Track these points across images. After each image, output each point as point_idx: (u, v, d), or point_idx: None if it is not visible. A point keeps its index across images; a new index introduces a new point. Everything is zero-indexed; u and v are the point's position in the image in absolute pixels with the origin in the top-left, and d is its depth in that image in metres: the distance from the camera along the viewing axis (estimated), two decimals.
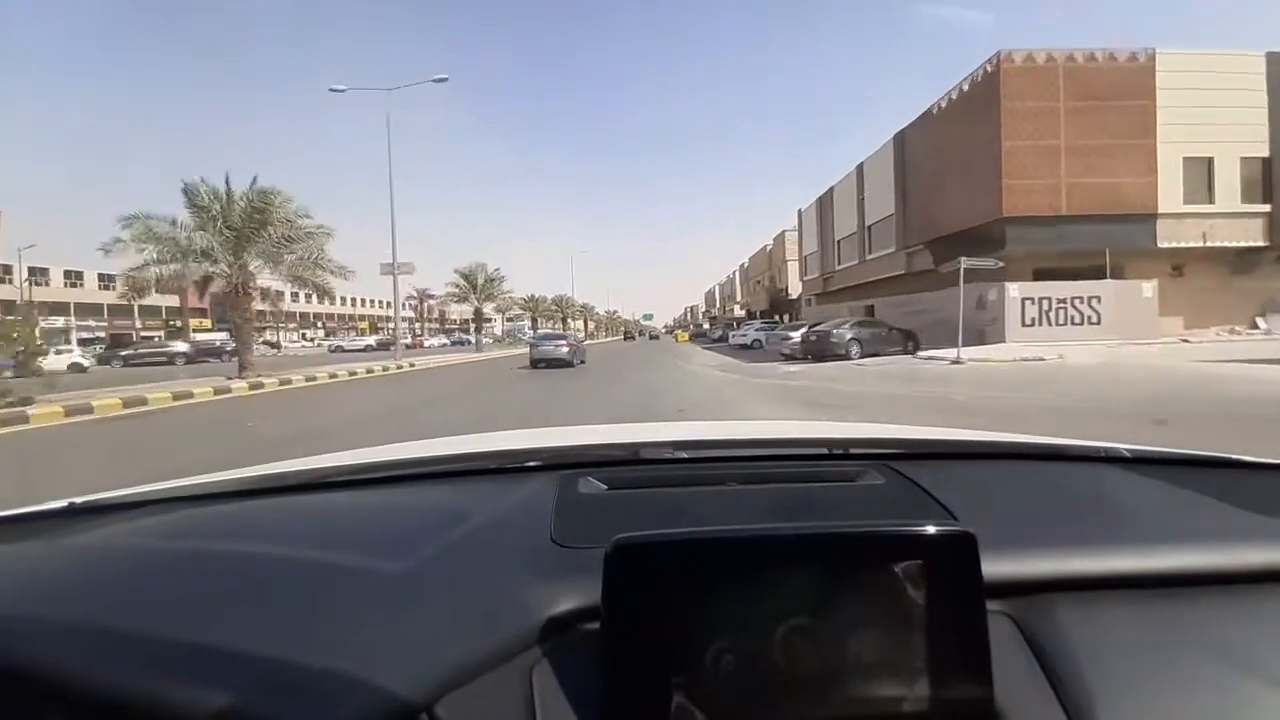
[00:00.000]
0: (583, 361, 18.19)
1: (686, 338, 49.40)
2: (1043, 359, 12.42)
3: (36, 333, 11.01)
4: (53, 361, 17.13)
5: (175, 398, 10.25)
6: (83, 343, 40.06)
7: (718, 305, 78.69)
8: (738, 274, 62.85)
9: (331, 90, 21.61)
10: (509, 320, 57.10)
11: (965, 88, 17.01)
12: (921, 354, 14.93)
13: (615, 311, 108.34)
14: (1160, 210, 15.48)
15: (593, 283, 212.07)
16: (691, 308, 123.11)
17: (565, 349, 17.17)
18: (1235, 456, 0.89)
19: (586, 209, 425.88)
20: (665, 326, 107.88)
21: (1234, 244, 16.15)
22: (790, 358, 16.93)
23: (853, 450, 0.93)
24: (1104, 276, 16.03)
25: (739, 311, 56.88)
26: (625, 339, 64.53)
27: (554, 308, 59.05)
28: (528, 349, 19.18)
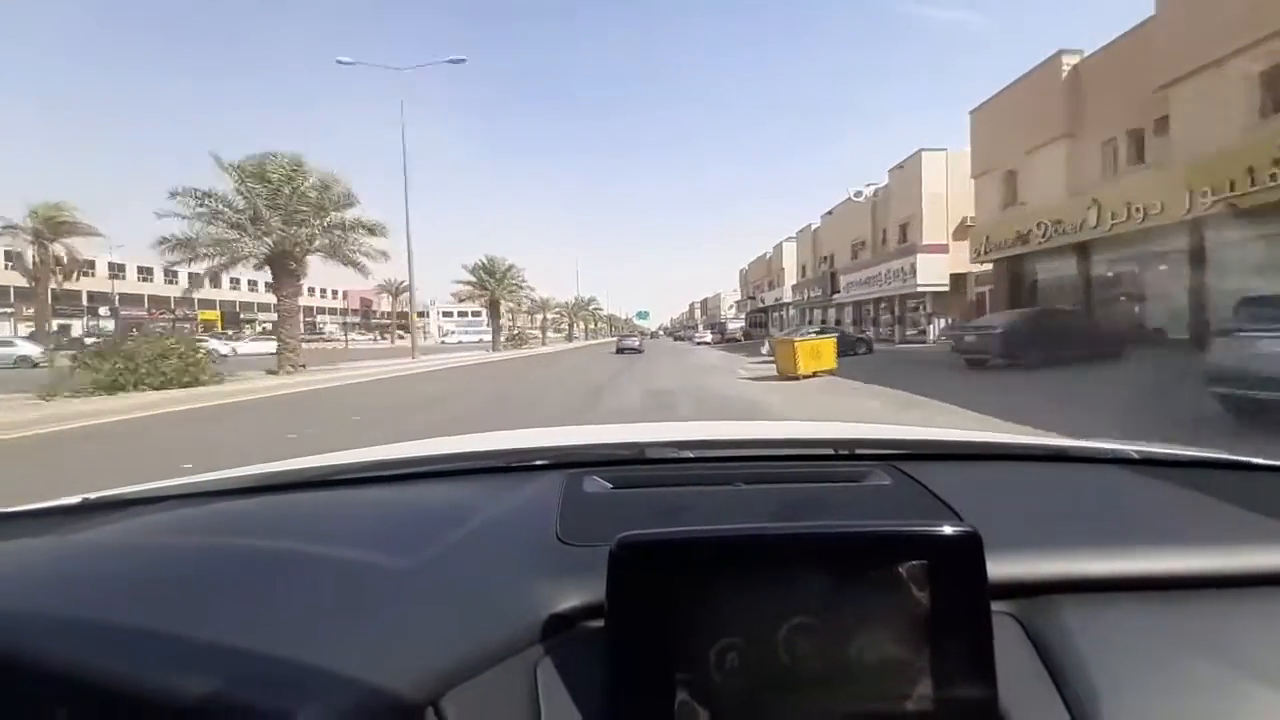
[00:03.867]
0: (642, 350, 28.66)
1: (832, 356, 12.78)
2: None
3: None
4: None
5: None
6: None
7: (783, 285, 41.57)
8: (870, 194, 26.94)
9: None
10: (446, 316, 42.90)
11: None
12: None
13: (593, 300, 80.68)
14: None
15: (585, 278, 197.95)
16: (702, 302, 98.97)
17: (637, 342, 29.39)
18: (1243, 458, 0.87)
19: (584, 207, 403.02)
20: (662, 327, 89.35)
21: None
22: None
23: (858, 451, 0.93)
24: None
25: (870, 281, 26.03)
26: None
27: (473, 284, 34.77)
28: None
